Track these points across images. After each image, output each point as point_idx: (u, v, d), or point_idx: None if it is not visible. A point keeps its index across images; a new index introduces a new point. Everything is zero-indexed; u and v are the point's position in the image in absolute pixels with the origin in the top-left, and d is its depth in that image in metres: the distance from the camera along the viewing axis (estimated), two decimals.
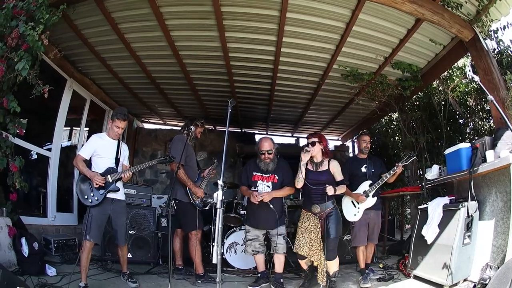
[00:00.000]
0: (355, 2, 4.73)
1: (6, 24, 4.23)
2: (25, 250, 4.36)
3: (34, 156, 6.30)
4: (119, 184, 4.48)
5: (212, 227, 5.91)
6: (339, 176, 4.54)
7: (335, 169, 4.55)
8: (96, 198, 4.26)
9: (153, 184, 9.63)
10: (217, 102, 8.55)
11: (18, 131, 4.52)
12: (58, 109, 6.51)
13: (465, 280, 4.21)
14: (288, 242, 5.07)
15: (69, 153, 7.48)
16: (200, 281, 4.89)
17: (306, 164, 4.49)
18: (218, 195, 3.03)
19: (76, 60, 6.62)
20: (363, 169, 5.29)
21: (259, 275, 4.88)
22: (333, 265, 4.44)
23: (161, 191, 9.58)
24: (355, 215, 5.15)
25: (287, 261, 5.35)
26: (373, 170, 5.26)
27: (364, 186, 5.15)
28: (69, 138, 8.12)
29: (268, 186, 4.75)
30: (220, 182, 3.12)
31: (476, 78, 3.17)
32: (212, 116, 9.50)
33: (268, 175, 4.77)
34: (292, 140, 11.57)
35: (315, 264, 4.42)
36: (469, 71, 3.11)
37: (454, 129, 7.67)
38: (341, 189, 4.50)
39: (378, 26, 5.25)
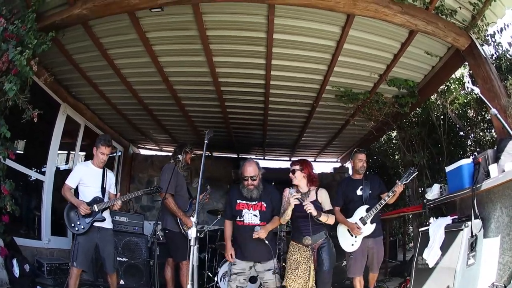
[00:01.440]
0: (344, 18, 4.57)
1: None
2: (16, 271, 4.46)
3: (33, 178, 6.45)
4: (106, 214, 4.56)
5: (207, 255, 5.81)
6: (327, 206, 4.35)
7: (323, 198, 4.37)
8: (82, 227, 4.36)
9: (149, 210, 9.65)
10: (211, 128, 8.35)
11: (9, 154, 4.51)
12: (52, 134, 6.54)
13: None
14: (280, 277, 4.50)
15: (66, 176, 7.39)
16: None
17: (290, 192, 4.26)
18: (192, 233, 2.90)
19: (69, 84, 6.59)
20: (359, 192, 4.87)
21: None
22: None
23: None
24: (352, 245, 4.76)
25: None
26: (370, 192, 4.83)
27: (361, 211, 4.74)
28: (67, 162, 8.09)
29: (255, 215, 4.26)
30: (193, 219, 3.01)
31: (476, 90, 2.92)
32: (208, 142, 9.27)
33: (254, 203, 4.29)
34: (289, 165, 11.30)
35: None
36: (468, 82, 2.92)
37: (455, 143, 7.43)
38: (330, 219, 4.28)
39: (370, 42, 5.08)
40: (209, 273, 6.02)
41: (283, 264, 5.31)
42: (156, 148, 10.70)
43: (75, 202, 4.38)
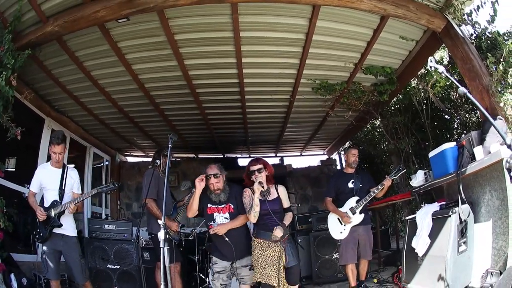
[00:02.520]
0: (309, 10, 4.50)
1: None
2: (14, 285, 4.50)
3: (26, 195, 6.30)
4: (64, 219, 4.37)
5: (197, 257, 5.83)
6: (286, 203, 4.38)
7: (283, 195, 4.39)
8: (41, 234, 4.30)
9: (141, 219, 9.49)
10: (193, 130, 8.50)
11: None
12: (39, 149, 6.53)
13: (466, 287, 3.87)
14: None
15: None
16: None
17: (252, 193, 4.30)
18: (161, 235, 2.96)
19: (52, 99, 6.63)
20: (350, 185, 5.11)
21: None
22: None
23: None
24: (341, 232, 4.96)
25: None
26: (360, 185, 5.08)
27: (351, 202, 4.97)
28: None
29: (226, 218, 4.27)
30: (160, 222, 3.07)
31: (441, 69, 2.78)
32: (192, 144, 9.42)
33: (223, 206, 4.29)
34: (276, 160, 11.36)
35: None
36: (431, 61, 2.78)
37: (440, 127, 7.36)
38: (289, 218, 4.31)
39: (340, 32, 5.00)
40: (201, 275, 6.03)
41: None
42: (142, 154, 10.68)
43: (34, 207, 4.33)
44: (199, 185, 4.12)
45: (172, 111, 7.30)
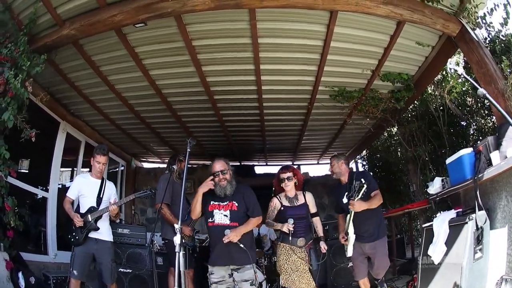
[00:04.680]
0: (327, 16, 4.50)
1: None
2: (22, 283, 4.50)
3: (39, 197, 6.70)
4: (101, 224, 4.54)
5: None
6: (313, 208, 4.53)
7: (310, 201, 4.56)
8: (77, 237, 4.43)
9: (155, 224, 9.54)
10: (210, 138, 8.53)
11: (10, 172, 4.65)
12: (53, 151, 6.65)
13: None
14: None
15: None
16: None
17: (280, 200, 4.51)
18: (177, 239, 2.89)
19: (68, 103, 6.71)
20: (344, 200, 4.57)
21: None
22: None
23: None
24: (346, 251, 4.63)
25: None
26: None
27: (347, 220, 4.56)
28: (71, 179, 8.23)
29: (225, 215, 3.93)
30: (177, 226, 2.97)
31: (460, 71, 2.68)
32: (209, 151, 9.43)
33: (225, 203, 3.96)
34: (278, 173, 11.26)
35: None
36: (450, 63, 2.68)
37: (456, 134, 7.28)
38: (319, 225, 4.58)
39: (357, 38, 4.98)
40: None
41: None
42: (158, 160, 10.74)
43: (70, 214, 4.46)
44: (205, 187, 3.90)
45: (189, 117, 7.33)
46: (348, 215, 4.42)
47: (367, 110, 6.57)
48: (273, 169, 10.85)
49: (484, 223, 3.80)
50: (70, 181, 8.11)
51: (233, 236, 3.74)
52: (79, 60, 5.28)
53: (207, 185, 3.90)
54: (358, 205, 4.20)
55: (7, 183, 4.59)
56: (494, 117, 6.24)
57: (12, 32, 4.65)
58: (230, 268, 3.90)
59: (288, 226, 4.27)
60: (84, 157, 7.63)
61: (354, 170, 10.18)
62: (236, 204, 3.97)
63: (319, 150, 10.12)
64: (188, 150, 3.46)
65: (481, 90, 2.48)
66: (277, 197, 4.57)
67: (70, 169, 8.29)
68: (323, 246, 4.38)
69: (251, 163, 10.98)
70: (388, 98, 6.34)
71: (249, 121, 7.56)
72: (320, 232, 4.63)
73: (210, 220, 3.97)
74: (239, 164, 10.78)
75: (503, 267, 3.68)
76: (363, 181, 4.08)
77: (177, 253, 2.85)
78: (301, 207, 4.44)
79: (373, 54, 5.36)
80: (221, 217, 3.93)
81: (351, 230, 4.44)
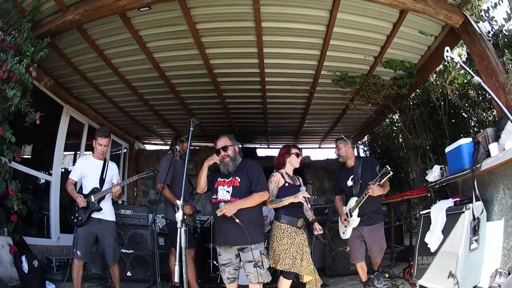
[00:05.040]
0: (330, 2, 4.51)
1: None
2: (25, 267, 4.55)
3: (42, 181, 6.80)
4: (104, 204, 4.55)
5: (212, 244, 5.90)
6: None
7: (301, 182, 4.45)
8: (80, 218, 4.44)
9: (158, 205, 9.66)
10: (212, 119, 8.56)
11: (14, 156, 4.72)
12: (57, 135, 6.73)
13: (475, 287, 3.81)
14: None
15: None
16: None
17: (284, 178, 4.26)
18: (179, 215, 2.87)
19: (71, 87, 6.75)
20: (349, 182, 4.69)
21: None
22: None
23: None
24: (343, 233, 4.78)
25: None
26: (360, 181, 4.59)
27: (351, 202, 4.62)
28: (74, 162, 8.22)
29: (227, 191, 3.80)
30: (179, 202, 2.96)
31: (457, 59, 2.67)
32: (211, 133, 9.45)
33: (229, 179, 3.87)
34: (286, 148, 11.31)
35: (305, 280, 4.15)
36: (447, 51, 2.66)
37: (457, 124, 7.32)
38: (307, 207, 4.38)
39: (360, 24, 4.99)
40: (215, 262, 6.09)
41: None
42: (161, 142, 10.80)
43: (73, 195, 4.46)
44: (210, 161, 3.86)
45: (192, 99, 7.37)
46: (356, 198, 4.50)
47: (369, 96, 6.60)
48: (275, 152, 10.85)
49: (481, 213, 3.86)
50: (73, 165, 8.25)
51: (226, 209, 3.58)
52: (83, 44, 5.32)
53: (212, 159, 3.86)
54: (377, 190, 4.24)
55: (10, 168, 4.69)
56: (495, 111, 6.28)
57: (16, 20, 4.71)
58: (236, 249, 3.83)
59: (304, 194, 4.03)
60: (87, 140, 7.69)
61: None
62: (239, 180, 3.86)
63: (321, 134, 10.14)
64: (191, 129, 3.36)
65: (477, 79, 2.50)
66: (280, 173, 4.30)
67: (73, 152, 8.31)
68: (318, 227, 4.15)
69: (253, 146, 11.00)
70: (390, 85, 6.37)
71: (252, 103, 7.59)
72: (311, 215, 4.38)
73: (214, 196, 3.89)
74: (241, 146, 10.67)
75: (498, 260, 3.72)
76: (389, 168, 4.07)
77: (178, 229, 2.80)
78: (299, 187, 4.24)
79: (376, 41, 5.37)
80: (223, 193, 3.82)
81: (356, 213, 4.50)
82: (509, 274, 3.40)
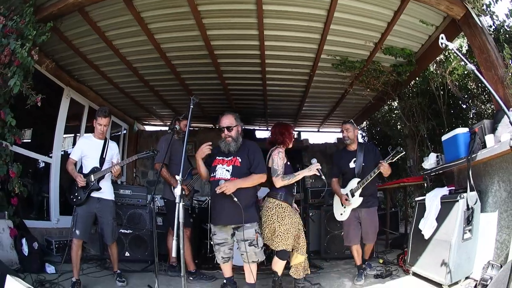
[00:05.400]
0: None
1: None
2: (25, 249, 4.61)
3: (42, 165, 6.85)
4: (103, 183, 4.58)
5: (209, 225, 5.96)
6: None
7: None
8: (79, 197, 4.45)
9: (156, 186, 9.71)
10: (212, 100, 8.56)
11: (15, 140, 4.79)
12: (57, 117, 6.77)
13: (467, 278, 3.89)
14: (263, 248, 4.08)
15: None
16: (192, 278, 4.98)
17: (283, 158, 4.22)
18: (177, 191, 2.91)
19: (72, 69, 6.76)
20: (352, 165, 4.83)
21: (224, 281, 4.27)
22: None
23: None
24: (341, 214, 4.85)
25: None
26: (363, 164, 4.74)
27: (352, 184, 4.74)
28: (74, 145, 8.24)
29: (227, 170, 3.89)
30: (178, 177, 2.99)
31: (451, 46, 2.67)
32: (211, 114, 9.49)
33: (229, 158, 3.97)
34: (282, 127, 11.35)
35: (300, 260, 4.21)
36: (442, 38, 2.67)
37: (455, 115, 7.38)
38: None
39: (361, 10, 5.00)
40: (211, 243, 6.13)
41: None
42: (161, 123, 10.82)
43: (73, 175, 4.47)
44: (201, 154, 3.88)
45: (192, 80, 7.38)
46: (358, 180, 4.66)
47: (368, 81, 6.64)
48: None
49: (475, 203, 3.93)
50: (73, 147, 8.27)
51: (225, 186, 3.68)
52: (84, 26, 5.32)
53: (203, 152, 3.87)
54: (387, 168, 4.40)
55: (11, 151, 4.75)
56: (493, 103, 6.30)
57: (17, 5, 4.70)
58: (231, 228, 3.93)
59: (316, 166, 4.11)
60: (88, 122, 7.74)
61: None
62: (240, 160, 3.94)
63: (320, 118, 10.14)
64: (191, 106, 3.39)
65: (470, 66, 2.55)
66: (279, 148, 4.29)
67: (73, 135, 8.36)
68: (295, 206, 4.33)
69: (252, 127, 10.99)
70: (390, 71, 6.39)
71: (251, 85, 7.60)
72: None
73: (212, 174, 3.96)
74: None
75: (491, 252, 3.78)
76: (401, 149, 4.31)
77: (177, 204, 2.82)
78: (293, 167, 4.36)
79: (377, 27, 5.39)
80: (223, 171, 3.90)
81: (358, 193, 4.64)
82: (501, 267, 3.42)
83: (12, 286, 3.12)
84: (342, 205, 4.85)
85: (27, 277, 4.03)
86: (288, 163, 4.27)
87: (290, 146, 4.45)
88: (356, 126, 5.01)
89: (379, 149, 5.01)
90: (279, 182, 4.05)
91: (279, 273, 4.13)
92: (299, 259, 4.20)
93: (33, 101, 4.62)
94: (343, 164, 4.93)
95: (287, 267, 4.25)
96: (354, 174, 4.76)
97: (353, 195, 4.68)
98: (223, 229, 3.95)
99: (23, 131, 6.20)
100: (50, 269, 4.75)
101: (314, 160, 4.22)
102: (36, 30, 4.63)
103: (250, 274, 3.93)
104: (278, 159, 4.14)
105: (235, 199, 3.67)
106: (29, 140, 7.51)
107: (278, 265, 4.11)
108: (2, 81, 4.51)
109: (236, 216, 3.74)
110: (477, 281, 3.66)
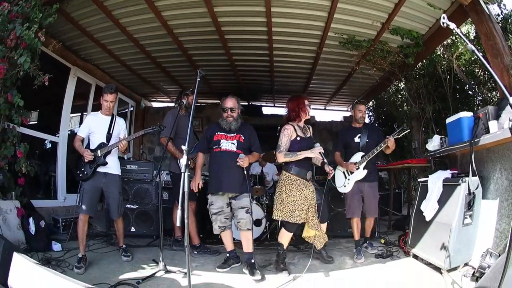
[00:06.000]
0: None
1: (4, 28, 4.56)
2: (32, 228, 4.73)
3: (49, 145, 7.00)
4: (110, 158, 4.61)
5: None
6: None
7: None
8: (85, 172, 4.50)
9: (163, 161, 9.78)
10: (219, 76, 8.58)
11: (23, 120, 4.89)
12: (64, 96, 6.88)
13: (466, 264, 3.92)
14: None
15: None
16: (196, 252, 5.08)
17: (296, 131, 4.32)
18: (183, 161, 2.96)
19: (78, 49, 6.80)
20: (356, 139, 5.10)
21: (227, 255, 4.55)
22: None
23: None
24: (345, 186, 5.01)
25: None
26: (367, 140, 5.03)
27: (356, 158, 4.97)
28: (80, 124, 8.35)
29: (233, 144, 4.37)
30: (184, 147, 3.03)
31: (452, 26, 2.67)
32: (217, 90, 9.50)
33: (232, 134, 4.42)
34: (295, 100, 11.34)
35: (310, 233, 4.36)
36: (443, 18, 2.67)
37: (461, 100, 7.35)
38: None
39: None
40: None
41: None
42: (168, 99, 10.82)
43: (80, 150, 4.52)
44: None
45: (199, 56, 7.38)
46: (362, 153, 4.95)
47: (375, 61, 6.65)
48: (281, 111, 10.99)
49: (476, 188, 3.94)
50: (79, 127, 8.37)
51: (245, 161, 4.23)
52: (91, 6, 5.33)
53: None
54: (393, 142, 4.69)
55: (19, 132, 4.87)
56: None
57: None
58: (228, 197, 4.37)
59: (319, 150, 4.20)
60: (94, 101, 7.80)
61: None
62: (243, 137, 4.42)
63: (327, 96, 10.13)
64: (198, 79, 3.45)
65: (470, 46, 2.56)
66: (292, 125, 4.38)
67: (80, 114, 8.47)
68: (329, 168, 4.33)
69: (258, 104, 11.04)
70: (397, 52, 6.37)
71: (259, 61, 7.60)
72: (319, 160, 4.59)
73: (216, 146, 4.39)
74: (247, 103, 10.78)
75: (490, 240, 3.79)
76: (407, 126, 4.73)
77: (182, 174, 2.86)
78: (310, 140, 4.42)
79: (384, 7, 5.37)
80: (228, 144, 4.37)
81: (363, 166, 4.87)
82: (499, 256, 3.45)
83: (19, 263, 3.18)
84: (345, 177, 5.03)
85: (34, 256, 4.07)
86: (299, 138, 4.32)
87: (307, 117, 4.55)
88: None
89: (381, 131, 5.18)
90: (280, 158, 4.25)
91: (285, 246, 4.31)
92: (309, 233, 4.38)
93: (40, 81, 4.65)
94: (348, 138, 5.18)
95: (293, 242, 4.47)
96: (358, 148, 5.03)
97: (357, 168, 4.89)
98: (220, 198, 4.35)
99: (30, 112, 6.26)
100: (56, 246, 4.84)
101: (317, 144, 4.31)
102: (42, 12, 4.64)
103: (248, 242, 4.28)
104: (283, 135, 4.30)
105: (246, 172, 4.26)
106: (36, 122, 7.60)
107: (284, 237, 4.29)
108: (9, 64, 4.54)
109: (236, 186, 4.27)
110: (475, 268, 3.68)
